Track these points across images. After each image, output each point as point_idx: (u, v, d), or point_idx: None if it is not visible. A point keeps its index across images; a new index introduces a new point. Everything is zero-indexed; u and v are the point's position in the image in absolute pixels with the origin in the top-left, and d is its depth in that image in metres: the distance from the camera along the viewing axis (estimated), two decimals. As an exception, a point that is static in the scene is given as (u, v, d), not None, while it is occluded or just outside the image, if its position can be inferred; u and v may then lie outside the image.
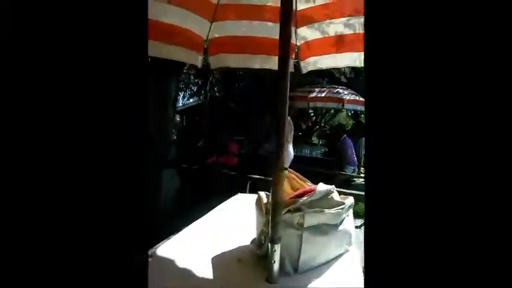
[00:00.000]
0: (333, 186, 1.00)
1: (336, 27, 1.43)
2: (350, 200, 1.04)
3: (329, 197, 0.95)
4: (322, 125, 9.14)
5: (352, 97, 5.24)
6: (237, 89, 5.81)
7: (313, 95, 5.31)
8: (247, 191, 2.44)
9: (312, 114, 9.15)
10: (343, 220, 0.97)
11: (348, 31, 1.42)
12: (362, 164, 6.14)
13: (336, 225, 0.94)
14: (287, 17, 0.76)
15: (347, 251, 1.01)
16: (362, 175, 5.66)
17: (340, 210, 0.95)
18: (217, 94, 6.49)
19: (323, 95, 5.31)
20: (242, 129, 5.90)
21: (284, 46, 0.78)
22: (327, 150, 5.99)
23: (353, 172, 5.03)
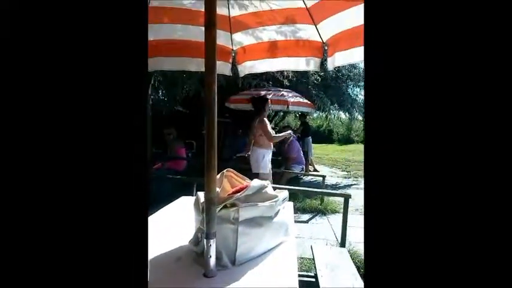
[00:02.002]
0: (268, 181, 1.07)
1: (269, 34, 1.52)
2: (284, 194, 1.11)
3: (263, 191, 1.01)
4: (272, 126, 9.38)
5: (297, 99, 5.47)
6: (183, 92, 5.68)
7: (259, 97, 5.42)
8: (194, 194, 2.41)
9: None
10: (278, 212, 1.03)
11: (280, 38, 1.52)
12: (310, 162, 6.49)
13: (271, 218, 1.00)
14: (212, 20, 0.79)
15: (284, 241, 1.07)
16: (309, 173, 5.99)
17: (274, 203, 1.01)
18: (162, 97, 6.26)
19: (269, 97, 5.45)
20: (191, 132, 5.79)
21: (209, 49, 0.81)
22: (275, 150, 6.18)
23: (301, 170, 5.30)
